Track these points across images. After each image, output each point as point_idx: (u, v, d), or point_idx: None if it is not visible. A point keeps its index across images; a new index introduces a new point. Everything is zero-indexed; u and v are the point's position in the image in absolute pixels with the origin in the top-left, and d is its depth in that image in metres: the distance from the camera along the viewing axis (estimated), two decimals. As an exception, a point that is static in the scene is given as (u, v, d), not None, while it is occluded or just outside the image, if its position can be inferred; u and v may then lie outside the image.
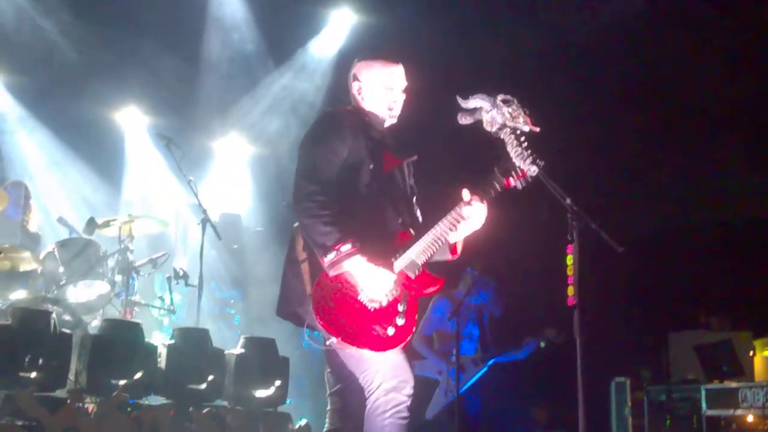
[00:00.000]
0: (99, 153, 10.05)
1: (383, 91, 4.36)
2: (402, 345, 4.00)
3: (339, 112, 4.33)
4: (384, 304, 3.98)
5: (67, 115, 9.59)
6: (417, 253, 4.07)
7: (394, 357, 3.99)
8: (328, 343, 3.98)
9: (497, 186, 4.10)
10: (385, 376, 3.95)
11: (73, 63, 9.23)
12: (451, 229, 4.10)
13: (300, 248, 4.17)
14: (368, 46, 4.56)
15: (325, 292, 3.95)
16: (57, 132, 9.71)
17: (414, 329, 4.05)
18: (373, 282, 3.97)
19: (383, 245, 4.08)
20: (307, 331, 4.08)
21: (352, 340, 3.90)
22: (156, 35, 9.46)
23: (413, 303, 4.05)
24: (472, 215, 4.12)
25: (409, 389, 3.98)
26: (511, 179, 4.06)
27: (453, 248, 4.28)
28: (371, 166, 4.19)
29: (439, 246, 4.11)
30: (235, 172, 11.40)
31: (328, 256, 3.92)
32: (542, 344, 7.79)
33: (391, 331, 3.96)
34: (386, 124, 4.39)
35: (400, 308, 4.00)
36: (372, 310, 3.96)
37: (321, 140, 4.17)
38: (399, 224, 4.20)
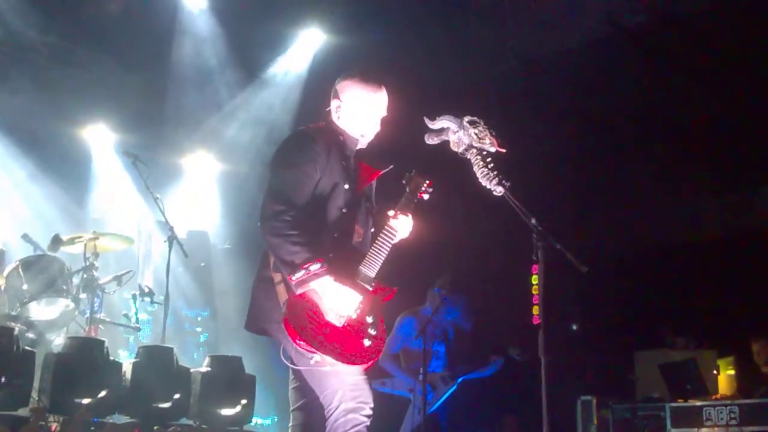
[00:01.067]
0: (65, 169, 9.96)
1: (362, 115, 4.36)
2: (375, 358, 4.07)
3: (311, 132, 4.30)
4: (354, 317, 4.02)
5: (33, 132, 9.50)
6: (368, 267, 4.15)
7: (355, 377, 4.03)
8: (312, 362, 3.98)
9: (413, 201, 4.36)
10: (345, 397, 3.99)
11: (40, 79, 9.16)
12: (389, 241, 4.22)
13: (272, 268, 4.17)
14: (357, 65, 4.52)
15: (299, 313, 3.97)
16: (22, 148, 9.61)
17: (386, 338, 4.15)
18: (339, 302, 4.00)
19: (352, 265, 4.12)
20: (283, 351, 4.12)
21: (335, 356, 3.93)
22: (124, 51, 9.43)
23: (378, 313, 4.13)
24: (400, 227, 4.29)
25: (368, 410, 4.03)
26: (423, 194, 4.38)
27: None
28: (346, 186, 4.23)
29: (384, 256, 4.21)
30: (203, 188, 11.35)
31: (296, 274, 3.94)
32: (516, 357, 7.82)
33: (367, 342, 4.03)
34: (357, 146, 4.40)
35: (369, 320, 4.07)
36: (342, 326, 3.99)
37: (292, 162, 4.17)
38: (362, 242, 4.26)
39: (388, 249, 4.22)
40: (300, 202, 4.08)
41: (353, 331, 4.02)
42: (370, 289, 4.12)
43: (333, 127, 4.38)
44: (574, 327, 7.72)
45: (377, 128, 4.41)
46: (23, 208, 9.35)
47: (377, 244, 4.19)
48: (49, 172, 9.77)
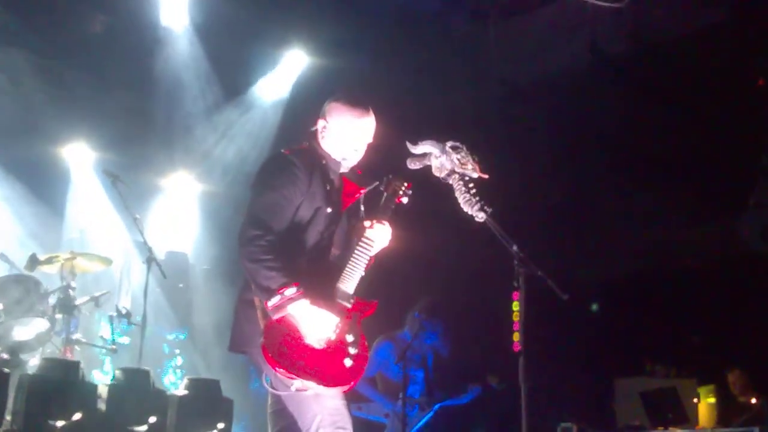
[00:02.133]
0: (43, 188, 9.88)
1: (346, 139, 4.32)
2: (358, 376, 4.04)
3: (292, 154, 4.24)
4: (332, 338, 3.98)
5: (10, 150, 9.43)
6: (346, 283, 4.12)
7: (335, 402, 3.99)
8: (293, 388, 3.94)
9: (391, 206, 4.29)
10: (323, 422, 3.95)
11: (19, 97, 9.10)
12: (367, 252, 4.18)
13: (254, 291, 4.10)
14: (348, 89, 4.49)
15: (276, 339, 3.93)
16: (0, 165, 9.54)
17: (368, 357, 4.09)
18: (317, 326, 3.97)
19: (329, 284, 4.08)
20: (267, 378, 4.10)
21: (316, 379, 3.89)
22: (105, 70, 9.39)
23: (357, 331, 4.09)
24: (378, 236, 4.23)
25: None
26: (401, 198, 4.31)
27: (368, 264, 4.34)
28: (328, 210, 4.20)
29: (361, 269, 4.18)
30: (183, 209, 11.29)
31: (272, 300, 3.91)
32: (495, 386, 7.79)
33: (348, 362, 4.00)
34: (340, 170, 4.36)
35: (349, 339, 4.04)
36: (322, 348, 3.95)
37: (272, 185, 4.13)
38: (340, 258, 4.23)
39: (366, 261, 4.18)
40: (278, 226, 4.05)
41: (333, 351, 3.98)
42: (349, 306, 4.08)
43: (316, 148, 4.33)
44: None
45: (361, 154, 4.37)
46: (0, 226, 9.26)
47: (354, 257, 4.15)
48: (26, 190, 9.70)
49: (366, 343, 4.11)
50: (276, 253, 3.96)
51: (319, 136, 4.35)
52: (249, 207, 4.13)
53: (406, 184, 4.32)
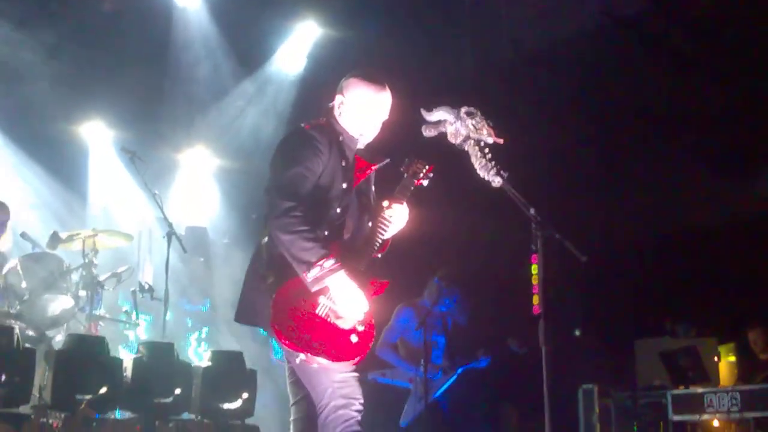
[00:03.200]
0: (63, 167, 9.95)
1: (364, 114, 4.32)
2: (365, 352, 4.05)
3: (313, 128, 4.24)
4: (361, 318, 4.01)
5: (30, 130, 9.49)
6: (359, 261, 4.15)
7: (343, 374, 4.03)
8: (297, 361, 3.98)
9: (410, 188, 4.32)
10: (333, 395, 4.00)
11: (36, 76, 9.14)
12: (381, 233, 4.21)
13: (266, 266, 4.14)
14: (365, 64, 4.49)
15: (285, 313, 3.95)
16: (20, 146, 9.60)
17: (374, 335, 4.11)
18: (353, 299, 3.99)
19: (347, 262, 4.08)
20: (279, 347, 4.16)
21: (320, 354, 3.92)
22: (119, 48, 9.41)
23: (369, 314, 4.10)
24: (395, 217, 4.26)
25: (358, 405, 4.03)
26: (421, 180, 4.35)
27: (383, 246, 4.35)
28: (344, 185, 4.21)
29: (375, 248, 4.22)
30: (202, 184, 11.34)
31: (311, 271, 3.91)
32: (516, 349, 7.82)
33: (354, 338, 4.01)
34: (355, 147, 4.37)
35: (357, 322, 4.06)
36: (331, 322, 3.98)
37: (296, 158, 4.13)
38: (352, 238, 4.24)
39: (380, 241, 4.21)
40: (305, 195, 4.06)
41: (338, 331, 4.00)
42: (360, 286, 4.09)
43: (333, 124, 4.34)
44: (578, 332, 7.70)
45: (377, 130, 4.38)
46: (22, 206, 9.33)
47: (369, 236, 4.20)
48: (47, 170, 9.77)
49: (373, 322, 4.12)
50: (310, 225, 3.97)
51: (336, 111, 4.36)
52: (275, 180, 4.11)
53: (427, 167, 4.35)
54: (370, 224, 4.33)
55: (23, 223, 8.52)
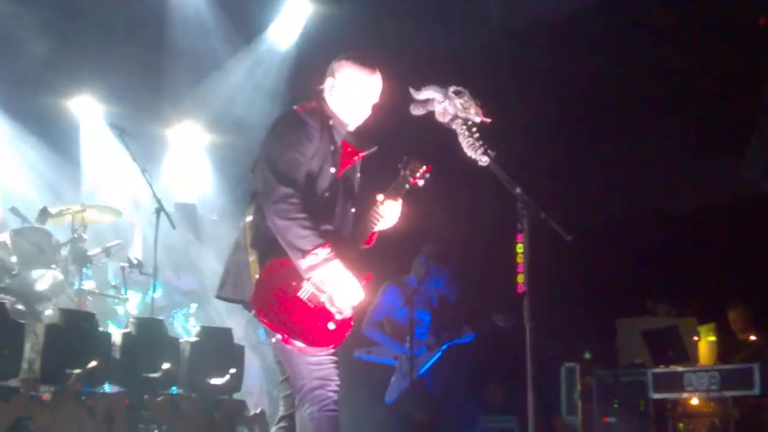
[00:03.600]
0: (56, 143, 9.93)
1: (355, 98, 4.36)
2: (341, 340, 4.11)
3: (305, 112, 4.27)
4: (356, 303, 4.08)
5: (23, 103, 9.46)
6: (346, 251, 4.19)
7: (320, 358, 4.07)
8: (273, 340, 4.06)
9: (406, 186, 4.40)
10: (309, 377, 4.06)
11: (25, 50, 9.09)
12: (372, 226, 4.30)
13: (250, 244, 4.17)
14: (356, 47, 4.52)
15: (266, 292, 4.00)
16: (13, 119, 9.57)
17: (352, 323, 4.15)
18: (349, 287, 4.05)
19: (339, 250, 4.13)
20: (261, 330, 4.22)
21: (296, 337, 3.97)
22: (110, 21, 9.36)
23: None
24: (388, 213, 4.35)
25: (333, 386, 4.09)
26: (417, 180, 4.43)
27: (369, 239, 4.42)
28: (332, 170, 4.26)
29: (363, 239, 4.31)
30: (192, 160, 11.33)
31: (306, 258, 3.95)
32: (501, 323, 7.88)
33: (331, 325, 4.06)
34: (345, 130, 4.41)
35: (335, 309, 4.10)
36: (312, 306, 4.03)
37: (291, 142, 4.15)
38: (338, 225, 4.29)
39: (368, 234, 4.30)
40: (299, 179, 4.11)
41: (319, 313, 4.04)
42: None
43: (324, 108, 4.36)
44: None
45: (368, 113, 4.42)
46: (10, 180, 9.33)
47: (358, 228, 4.28)
48: (40, 144, 9.74)
49: (352, 313, 4.16)
50: (307, 212, 4.01)
51: (327, 95, 4.38)
52: (271, 164, 4.11)
53: (424, 168, 4.43)
54: (353, 210, 4.39)
55: (15, 197, 8.53)
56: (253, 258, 4.12)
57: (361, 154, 4.44)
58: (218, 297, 4.36)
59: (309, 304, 4.03)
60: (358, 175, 4.53)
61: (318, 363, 4.07)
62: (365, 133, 4.50)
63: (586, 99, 9.40)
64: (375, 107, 4.44)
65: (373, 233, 4.39)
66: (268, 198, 4.03)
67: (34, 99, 9.54)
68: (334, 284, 4.02)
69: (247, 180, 4.45)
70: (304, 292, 4.03)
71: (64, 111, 10.14)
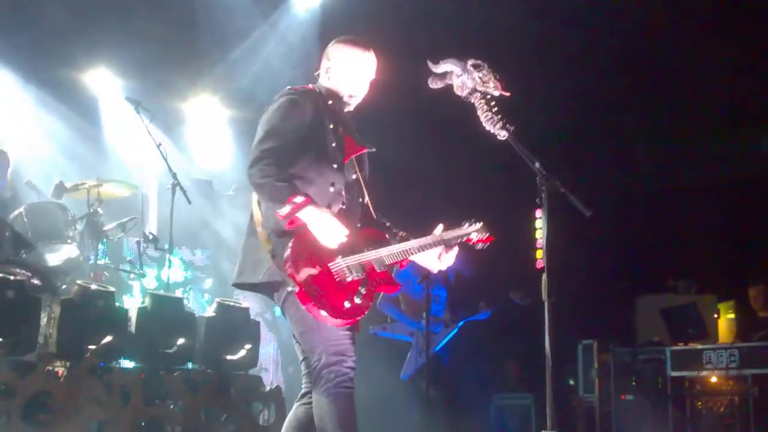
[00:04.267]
0: (76, 116, 9.88)
1: (352, 75, 4.36)
2: (351, 322, 4.08)
3: (297, 90, 4.29)
4: (343, 239, 4.04)
5: (42, 74, 9.43)
6: (388, 254, 4.22)
7: (336, 332, 4.06)
8: (290, 288, 4.02)
9: (461, 240, 4.50)
10: (326, 351, 4.05)
11: (41, 23, 9.03)
12: (419, 251, 4.33)
13: (262, 224, 4.17)
14: (346, 31, 4.52)
15: (301, 248, 3.99)
16: (35, 90, 9.53)
17: (365, 313, 4.13)
18: (326, 225, 4.02)
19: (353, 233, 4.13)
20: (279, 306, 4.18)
21: (311, 296, 3.94)
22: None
23: (371, 292, 4.15)
24: (443, 258, 4.45)
25: (350, 362, 4.07)
26: (475, 243, 4.52)
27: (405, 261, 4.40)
28: (333, 145, 4.24)
29: (403, 258, 4.30)
30: (208, 134, 11.25)
31: (283, 209, 3.97)
32: (518, 301, 7.82)
33: (347, 304, 4.04)
34: (346, 110, 4.41)
35: (361, 290, 4.09)
36: (338, 280, 4.03)
37: (276, 116, 4.18)
38: (346, 211, 4.26)
39: (412, 254, 4.31)
40: (286, 154, 4.11)
41: (342, 289, 4.04)
42: (377, 270, 4.18)
43: (321, 90, 4.38)
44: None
45: (366, 90, 4.41)
46: (29, 154, 9.30)
47: (409, 243, 4.31)
48: (61, 118, 9.71)
49: (371, 303, 4.15)
50: (284, 169, 4.04)
51: (324, 77, 4.40)
52: (257, 137, 4.16)
53: (486, 236, 4.52)
54: (360, 201, 4.37)
55: (30, 171, 8.50)
56: (265, 237, 4.12)
57: (360, 151, 4.42)
58: (236, 284, 4.33)
59: (336, 277, 4.03)
60: (367, 172, 4.50)
61: (335, 338, 4.05)
62: (367, 130, 4.47)
63: (607, 73, 9.29)
64: (372, 84, 4.41)
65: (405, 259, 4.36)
66: (249, 164, 4.07)
67: (54, 70, 9.49)
68: (313, 225, 4.01)
69: None
70: (335, 265, 4.04)
71: (81, 84, 10.07)
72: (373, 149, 4.46)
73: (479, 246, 4.51)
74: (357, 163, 4.41)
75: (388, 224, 4.48)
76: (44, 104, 9.62)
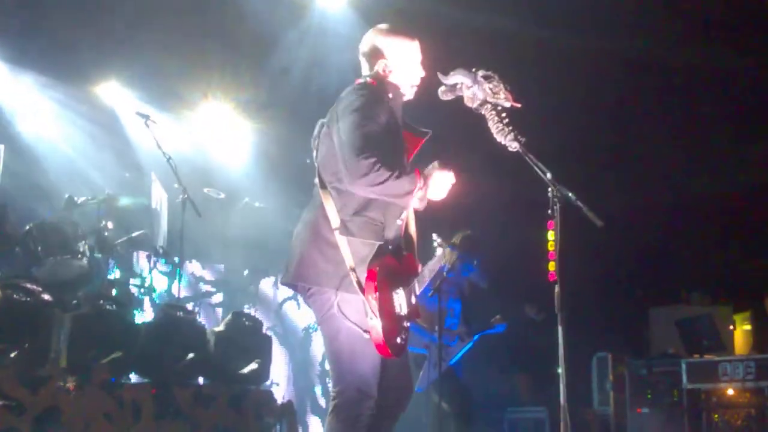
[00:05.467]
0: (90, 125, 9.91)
1: (410, 67, 4.31)
2: (396, 355, 4.06)
3: (375, 86, 4.21)
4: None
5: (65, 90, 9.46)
6: (419, 284, 4.32)
7: (366, 368, 4.03)
8: (369, 318, 3.96)
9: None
10: (350, 386, 4.02)
11: (51, 36, 9.03)
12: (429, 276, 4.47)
13: (340, 231, 4.06)
14: (386, 21, 4.46)
15: (382, 278, 3.99)
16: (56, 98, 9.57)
17: (404, 347, 4.16)
18: (440, 184, 4.15)
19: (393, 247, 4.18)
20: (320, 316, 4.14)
21: (378, 333, 3.94)
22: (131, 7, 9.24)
23: (408, 326, 4.20)
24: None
25: (371, 402, 4.03)
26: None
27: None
28: (399, 142, 4.22)
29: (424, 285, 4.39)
30: (221, 146, 11.19)
31: (415, 194, 4.04)
32: (533, 316, 7.77)
33: (399, 339, 4.06)
34: (404, 99, 4.34)
35: (405, 324, 4.14)
36: (396, 314, 4.05)
37: (363, 112, 4.04)
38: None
39: (427, 277, 4.42)
40: (383, 148, 4.00)
41: (398, 325, 4.07)
42: (413, 302, 4.25)
43: (382, 85, 4.27)
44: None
45: (422, 73, 4.34)
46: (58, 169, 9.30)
47: (424, 271, 4.41)
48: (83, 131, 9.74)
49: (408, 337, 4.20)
50: (390, 167, 3.95)
51: (384, 73, 4.29)
52: (346, 139, 4.01)
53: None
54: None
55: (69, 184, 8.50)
56: (345, 245, 4.03)
57: (420, 142, 4.38)
58: (293, 281, 4.20)
59: (397, 309, 4.07)
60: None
61: (362, 374, 4.02)
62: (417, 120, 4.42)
63: (618, 82, 9.25)
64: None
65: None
66: (353, 176, 3.94)
67: (69, 86, 9.50)
68: (433, 189, 4.11)
69: (312, 151, 4.34)
70: (396, 298, 4.09)
71: (97, 97, 10.05)
72: (429, 133, 4.39)
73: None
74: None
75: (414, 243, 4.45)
76: (72, 117, 9.63)
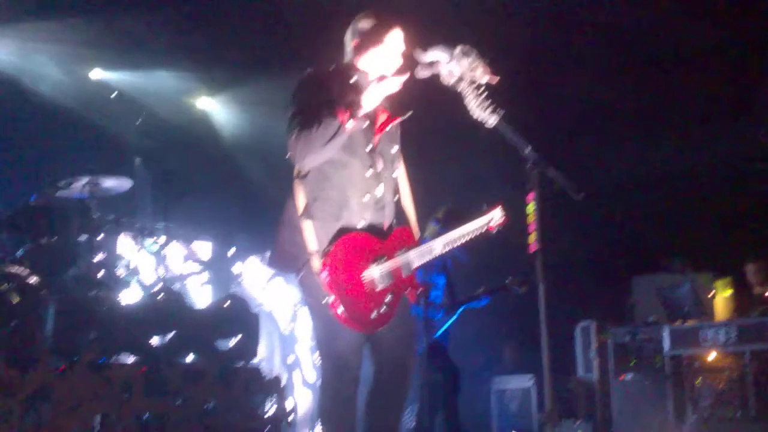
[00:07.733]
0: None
1: (382, 53, 4.32)
2: (373, 331, 4.17)
3: (314, 71, 4.29)
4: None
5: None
6: (415, 258, 4.31)
7: (343, 346, 4.16)
8: (324, 301, 4.08)
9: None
10: (328, 362, 4.20)
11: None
12: (443, 250, 4.45)
13: (304, 215, 4.18)
14: (369, 6, 4.46)
15: (338, 258, 4.07)
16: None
17: (389, 320, 4.20)
18: (373, 90, 4.14)
19: (362, 214, 4.22)
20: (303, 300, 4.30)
21: (344, 307, 4.03)
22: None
23: (397, 299, 4.23)
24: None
25: (349, 376, 4.19)
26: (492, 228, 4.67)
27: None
28: (365, 124, 4.24)
29: (429, 260, 4.38)
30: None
31: (340, 126, 4.04)
32: (517, 289, 7.82)
33: (374, 314, 4.13)
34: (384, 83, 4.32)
35: (387, 299, 4.18)
36: (368, 291, 4.10)
37: (296, 102, 4.19)
38: (381, 200, 4.30)
39: (432, 257, 4.39)
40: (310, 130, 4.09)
41: (371, 299, 4.12)
42: (404, 276, 4.25)
43: (351, 66, 4.34)
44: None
45: (398, 62, 4.33)
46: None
47: (435, 243, 4.41)
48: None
49: (396, 309, 4.22)
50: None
51: (351, 55, 4.36)
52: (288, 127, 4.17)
53: (503, 218, 4.66)
54: (395, 199, 4.45)
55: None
56: (309, 230, 4.14)
57: (394, 120, 4.39)
58: (270, 267, 4.51)
59: (366, 287, 4.11)
60: (397, 146, 4.48)
61: (339, 355, 4.16)
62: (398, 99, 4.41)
63: (600, 54, 9.27)
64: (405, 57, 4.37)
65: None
66: (292, 156, 4.11)
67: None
68: (368, 97, 4.12)
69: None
70: (367, 274, 4.12)
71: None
72: (410, 113, 4.42)
73: (496, 230, 4.61)
74: (386, 146, 4.39)
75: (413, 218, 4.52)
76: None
